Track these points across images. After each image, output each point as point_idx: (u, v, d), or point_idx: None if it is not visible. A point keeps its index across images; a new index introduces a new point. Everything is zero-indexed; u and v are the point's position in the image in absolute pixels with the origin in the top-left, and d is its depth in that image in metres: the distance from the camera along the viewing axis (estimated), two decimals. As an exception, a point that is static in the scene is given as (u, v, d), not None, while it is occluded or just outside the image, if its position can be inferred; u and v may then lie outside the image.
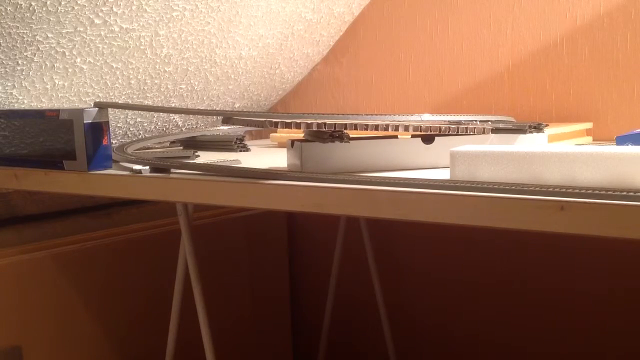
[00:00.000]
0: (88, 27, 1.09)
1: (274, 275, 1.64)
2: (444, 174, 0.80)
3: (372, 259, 1.48)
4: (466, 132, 0.89)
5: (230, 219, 1.53)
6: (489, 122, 0.95)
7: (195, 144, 1.32)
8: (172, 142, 1.35)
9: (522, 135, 0.93)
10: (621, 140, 0.89)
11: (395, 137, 0.91)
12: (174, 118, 1.42)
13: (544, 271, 1.35)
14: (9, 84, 1.13)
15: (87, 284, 1.27)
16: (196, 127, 1.50)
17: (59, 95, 1.19)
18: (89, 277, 1.27)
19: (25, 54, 1.08)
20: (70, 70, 1.15)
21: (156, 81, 1.29)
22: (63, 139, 0.99)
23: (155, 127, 1.41)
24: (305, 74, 1.60)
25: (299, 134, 0.99)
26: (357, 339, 1.64)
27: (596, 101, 1.23)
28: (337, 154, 0.88)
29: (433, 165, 0.90)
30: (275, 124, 0.84)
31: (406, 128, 0.86)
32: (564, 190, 0.64)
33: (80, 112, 0.96)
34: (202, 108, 1.45)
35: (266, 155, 1.16)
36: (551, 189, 0.65)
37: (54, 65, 1.13)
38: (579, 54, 1.24)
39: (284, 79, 1.56)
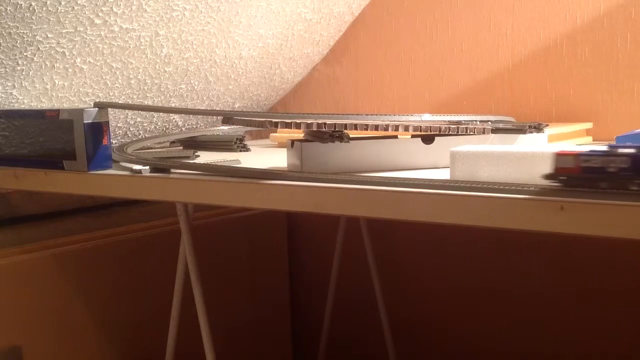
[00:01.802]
0: (88, 27, 1.09)
1: (274, 275, 1.64)
2: (444, 174, 0.80)
3: (372, 259, 1.48)
4: (466, 132, 0.89)
5: (230, 219, 1.53)
6: (489, 122, 0.95)
7: (195, 144, 1.32)
8: (172, 142, 1.35)
9: (522, 135, 0.93)
10: (621, 140, 0.89)
11: (395, 137, 0.91)
12: (174, 118, 1.42)
13: (544, 273, 1.35)
14: (9, 84, 1.13)
15: (87, 284, 1.27)
16: (196, 127, 1.50)
17: (59, 95, 1.20)
18: (89, 277, 1.27)
19: (25, 54, 1.08)
20: (70, 70, 1.15)
21: (156, 81, 1.29)
22: (63, 139, 0.99)
23: (155, 127, 1.41)
24: (305, 74, 1.60)
25: (299, 134, 0.99)
26: (357, 339, 1.64)
27: (596, 101, 1.23)
28: (337, 154, 0.87)
29: (433, 165, 0.90)
30: (275, 124, 0.84)
31: (406, 128, 0.86)
32: (563, 190, 0.64)
33: (80, 112, 0.96)
34: (202, 108, 1.45)
35: (266, 155, 1.16)
36: (551, 189, 0.65)
37: (54, 65, 1.13)
38: (579, 54, 1.24)
39: (284, 79, 1.56)
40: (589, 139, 1.18)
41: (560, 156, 0.67)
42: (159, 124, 1.41)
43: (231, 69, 1.39)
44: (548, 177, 0.68)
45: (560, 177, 0.67)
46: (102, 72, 1.20)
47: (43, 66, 1.12)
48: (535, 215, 0.63)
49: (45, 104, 1.20)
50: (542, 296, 1.36)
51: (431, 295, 1.51)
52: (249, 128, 1.48)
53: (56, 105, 1.21)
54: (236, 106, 1.54)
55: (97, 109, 0.98)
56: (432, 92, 1.42)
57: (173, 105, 1.38)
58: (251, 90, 1.51)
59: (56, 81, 1.16)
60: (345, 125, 0.84)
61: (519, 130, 0.93)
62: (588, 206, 0.61)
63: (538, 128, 0.93)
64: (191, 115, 1.45)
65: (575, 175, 0.66)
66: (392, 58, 1.47)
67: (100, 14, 1.07)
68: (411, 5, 1.42)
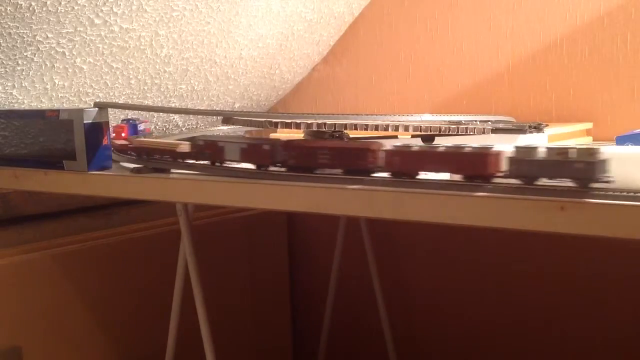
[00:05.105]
0: (88, 27, 1.09)
1: (274, 275, 1.64)
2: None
3: (372, 258, 1.48)
4: (466, 132, 0.89)
5: (230, 219, 1.53)
6: (489, 122, 0.95)
7: (195, 144, 1.32)
8: (172, 142, 1.35)
9: (522, 135, 0.93)
10: (621, 140, 0.89)
11: (395, 137, 0.91)
12: (174, 118, 1.42)
13: (546, 273, 1.35)
14: (9, 84, 1.13)
15: (87, 284, 1.27)
16: (196, 127, 1.50)
17: (59, 95, 1.20)
18: (89, 277, 1.27)
19: (25, 54, 1.08)
20: (70, 70, 1.15)
21: (156, 81, 1.29)
22: (63, 139, 0.99)
23: (155, 127, 1.41)
24: (305, 74, 1.60)
25: (299, 134, 0.99)
26: (357, 338, 1.64)
27: (596, 101, 1.23)
28: (337, 154, 0.87)
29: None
30: (275, 124, 0.84)
31: (406, 128, 0.86)
32: (564, 190, 0.64)
33: (80, 112, 0.96)
34: (202, 108, 1.45)
35: (266, 155, 1.16)
36: (551, 189, 0.65)
37: (54, 65, 1.13)
38: (579, 54, 1.24)
39: (284, 79, 1.56)
40: (589, 139, 1.18)
41: None
42: (159, 124, 1.41)
43: (231, 69, 1.39)
44: None
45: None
46: (102, 72, 1.20)
47: (43, 66, 1.12)
48: (535, 215, 0.63)
49: (45, 104, 1.20)
50: (543, 297, 1.36)
51: (432, 294, 1.51)
52: (249, 128, 1.48)
53: (56, 105, 1.21)
54: (236, 106, 1.53)
55: (97, 109, 0.98)
56: (432, 92, 1.42)
57: (173, 105, 1.38)
58: (251, 90, 1.51)
59: (56, 81, 1.16)
60: (345, 125, 0.84)
61: (519, 130, 0.93)
62: (588, 206, 0.61)
63: (538, 128, 0.93)
64: (191, 115, 1.45)
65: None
66: (392, 58, 1.47)
67: (100, 14, 1.07)
68: (411, 5, 1.42)
